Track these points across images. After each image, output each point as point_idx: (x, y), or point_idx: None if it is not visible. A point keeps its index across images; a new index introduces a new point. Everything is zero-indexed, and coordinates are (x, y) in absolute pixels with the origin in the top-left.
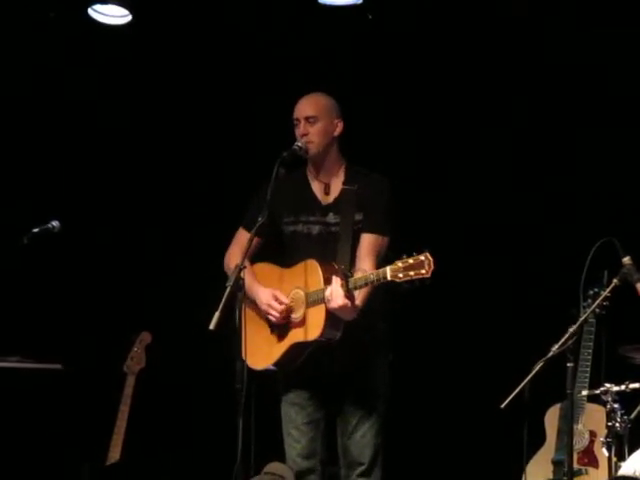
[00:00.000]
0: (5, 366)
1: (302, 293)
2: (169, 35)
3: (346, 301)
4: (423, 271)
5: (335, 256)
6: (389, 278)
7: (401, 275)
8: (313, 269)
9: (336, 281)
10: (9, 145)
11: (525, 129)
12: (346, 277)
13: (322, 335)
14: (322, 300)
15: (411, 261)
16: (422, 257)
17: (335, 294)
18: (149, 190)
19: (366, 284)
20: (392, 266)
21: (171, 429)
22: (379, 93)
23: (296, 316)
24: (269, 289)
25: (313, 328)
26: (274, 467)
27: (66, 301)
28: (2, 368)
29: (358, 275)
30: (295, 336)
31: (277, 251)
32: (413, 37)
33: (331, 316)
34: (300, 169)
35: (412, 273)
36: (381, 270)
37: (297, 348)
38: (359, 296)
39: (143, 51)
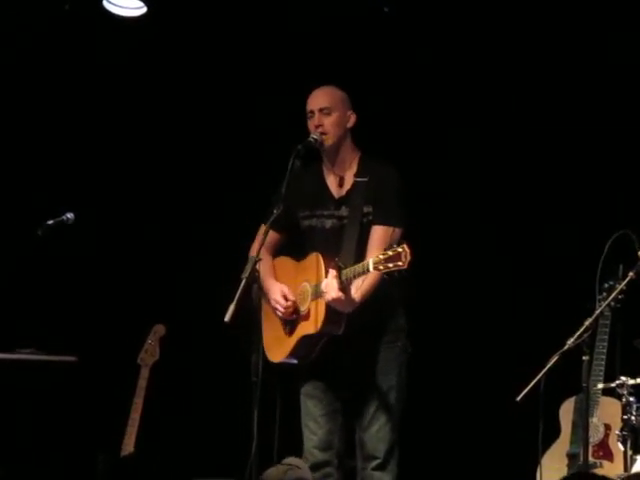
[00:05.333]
0: (20, 358)
1: (309, 287)
2: (183, 26)
3: (339, 294)
4: (400, 263)
5: (340, 249)
6: (371, 269)
7: (381, 267)
8: (317, 262)
9: (331, 274)
10: (24, 138)
11: (540, 120)
12: (339, 269)
13: (323, 328)
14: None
15: (390, 253)
16: (400, 249)
17: (329, 287)
18: (165, 182)
19: (354, 276)
20: (374, 258)
21: (185, 421)
22: (390, 86)
23: (303, 309)
24: (279, 285)
25: (315, 321)
26: (290, 461)
27: (81, 293)
28: (17, 360)
29: (350, 267)
30: (302, 329)
31: (300, 245)
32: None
33: (330, 309)
34: (316, 163)
35: (391, 265)
36: (365, 262)
37: (306, 341)
38: (360, 288)
39: (157, 43)
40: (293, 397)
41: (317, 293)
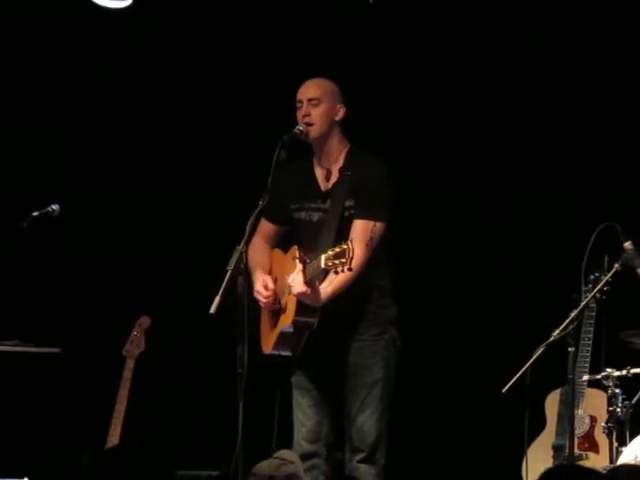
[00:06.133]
0: (4, 350)
1: (288, 279)
2: (169, 17)
3: (304, 288)
4: (344, 260)
5: (319, 242)
6: (322, 266)
7: (330, 263)
8: (293, 255)
9: (297, 268)
10: (9, 130)
11: (529, 113)
12: (305, 264)
13: (295, 321)
14: None
15: (337, 249)
16: (345, 246)
17: (294, 281)
18: (150, 174)
19: (314, 271)
20: (325, 254)
21: (170, 413)
22: (380, 79)
23: (283, 302)
24: (262, 276)
25: (288, 315)
26: (283, 453)
27: (65, 285)
28: (1, 352)
29: (312, 263)
30: (281, 322)
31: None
32: (414, 25)
33: (301, 303)
34: (308, 156)
35: (337, 262)
36: (318, 258)
37: (286, 334)
38: (332, 283)
39: (143, 34)
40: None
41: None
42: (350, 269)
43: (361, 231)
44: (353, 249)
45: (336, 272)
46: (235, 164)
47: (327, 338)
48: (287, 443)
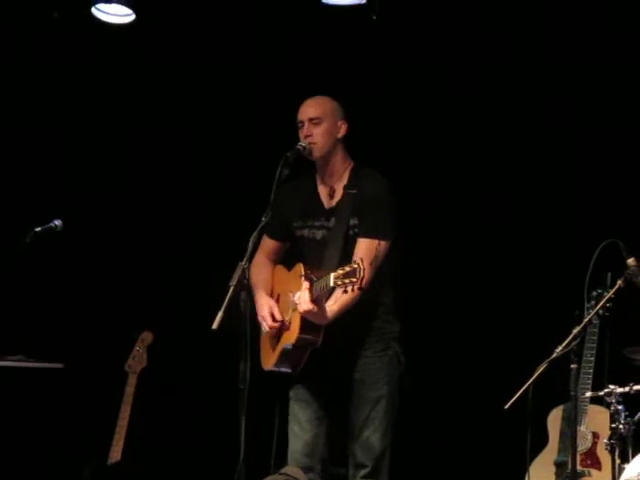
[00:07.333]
0: (7, 365)
1: (292, 297)
2: (172, 34)
3: (311, 306)
4: (354, 279)
5: (324, 261)
6: (331, 284)
7: (340, 282)
8: (298, 273)
9: (304, 286)
10: (12, 144)
11: (532, 125)
12: (312, 282)
13: (299, 339)
14: None
15: (347, 269)
16: (355, 265)
17: (301, 299)
18: (151, 188)
19: (321, 289)
20: (334, 273)
21: (172, 429)
22: (382, 94)
23: (287, 319)
24: (267, 301)
25: (292, 332)
26: (289, 469)
27: (68, 300)
28: (4, 367)
29: (319, 281)
30: (284, 340)
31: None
32: (416, 38)
33: (305, 321)
34: (311, 173)
35: (347, 281)
36: (327, 276)
37: (289, 351)
38: (338, 300)
39: (146, 50)
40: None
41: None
42: (360, 288)
43: (366, 250)
44: (364, 268)
45: (345, 291)
46: (238, 178)
47: (331, 354)
48: (286, 458)
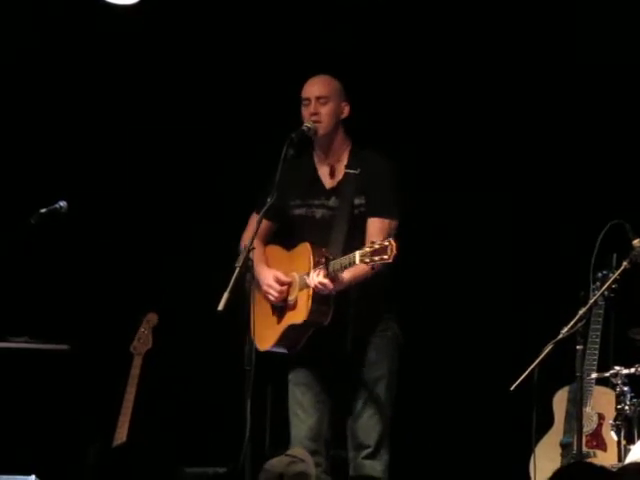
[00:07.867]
0: (13, 346)
1: (297, 277)
2: (176, 14)
3: (325, 280)
4: (386, 256)
5: (329, 240)
6: (357, 262)
7: (367, 260)
8: (305, 252)
9: (319, 263)
10: (17, 127)
11: (534, 111)
12: (327, 260)
13: (309, 318)
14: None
15: (377, 246)
16: (386, 242)
17: (319, 276)
18: (157, 170)
19: (341, 268)
20: (361, 251)
21: (178, 410)
22: (382, 76)
23: (291, 298)
24: (271, 270)
25: (301, 311)
26: (295, 451)
27: (73, 282)
28: (10, 348)
29: (337, 259)
30: (289, 319)
31: (289, 234)
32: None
33: (316, 300)
34: (308, 152)
35: (377, 258)
36: (352, 254)
37: (292, 331)
38: (350, 271)
39: (151, 31)
40: (284, 386)
41: (304, 283)
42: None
43: (379, 228)
44: (396, 245)
45: (373, 268)
46: (238, 160)
47: (331, 335)
48: (280, 438)
